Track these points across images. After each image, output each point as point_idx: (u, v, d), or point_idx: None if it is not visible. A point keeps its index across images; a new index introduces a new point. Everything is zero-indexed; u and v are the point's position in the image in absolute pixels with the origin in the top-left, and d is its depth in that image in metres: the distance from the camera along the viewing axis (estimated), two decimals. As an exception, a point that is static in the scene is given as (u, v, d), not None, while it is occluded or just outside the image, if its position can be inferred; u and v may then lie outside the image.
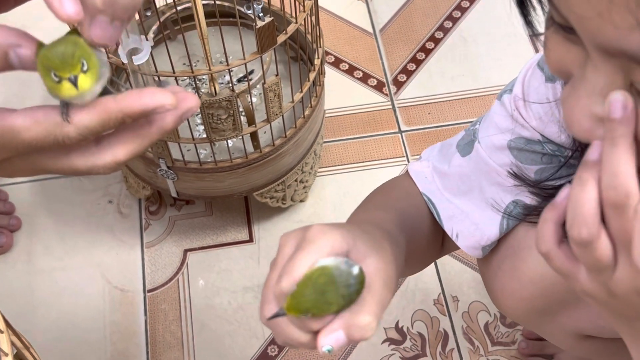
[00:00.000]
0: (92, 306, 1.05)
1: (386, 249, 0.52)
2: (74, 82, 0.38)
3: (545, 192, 0.59)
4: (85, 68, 0.38)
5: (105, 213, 1.12)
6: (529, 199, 0.62)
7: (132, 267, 1.08)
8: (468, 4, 1.34)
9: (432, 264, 1.07)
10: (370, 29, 1.31)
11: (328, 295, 0.47)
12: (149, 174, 1.01)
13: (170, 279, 1.07)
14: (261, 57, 0.84)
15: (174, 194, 1.01)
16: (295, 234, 0.51)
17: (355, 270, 0.48)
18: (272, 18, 0.81)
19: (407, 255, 0.63)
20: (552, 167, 0.61)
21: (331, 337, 0.47)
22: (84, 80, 0.38)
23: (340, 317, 0.48)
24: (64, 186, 1.15)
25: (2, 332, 0.54)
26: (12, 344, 0.57)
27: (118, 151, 0.44)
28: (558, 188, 0.51)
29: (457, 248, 0.69)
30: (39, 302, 1.05)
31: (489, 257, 0.67)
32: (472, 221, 0.65)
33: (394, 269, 0.52)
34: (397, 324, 1.02)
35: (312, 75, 0.96)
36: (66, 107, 0.40)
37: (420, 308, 1.04)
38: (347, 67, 1.27)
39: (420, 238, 0.68)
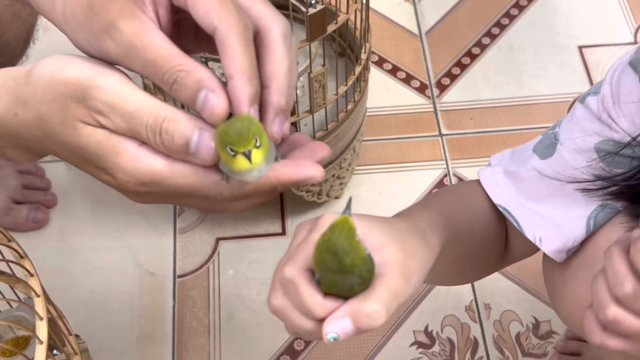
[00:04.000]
0: (122, 288, 1.04)
1: (408, 243, 0.50)
2: (248, 156, 0.40)
3: (633, 190, 0.56)
4: (258, 144, 0.40)
5: (140, 197, 1.12)
6: (614, 202, 0.59)
7: (163, 252, 1.07)
8: (517, 12, 1.32)
9: (466, 270, 1.05)
10: (416, 31, 1.30)
11: (349, 276, 0.44)
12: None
13: (201, 266, 1.06)
14: (309, 45, 0.83)
15: (210, 181, 1.01)
16: (309, 222, 0.49)
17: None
18: (324, 6, 0.80)
19: (452, 261, 0.61)
20: None
21: (336, 324, 0.45)
22: (257, 155, 0.40)
23: (347, 304, 0.45)
24: (101, 167, 1.15)
25: (38, 296, 0.54)
26: (47, 310, 0.57)
27: (255, 198, 0.44)
28: None
29: (522, 258, 0.67)
30: (69, 281, 1.05)
31: (563, 263, 0.64)
32: (555, 224, 0.62)
33: (417, 263, 0.49)
34: (426, 327, 1.01)
35: (357, 70, 0.95)
36: (227, 175, 0.42)
37: (451, 313, 1.02)
38: (390, 67, 1.26)
39: (470, 243, 0.65)
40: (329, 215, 0.48)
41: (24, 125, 0.44)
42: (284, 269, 0.46)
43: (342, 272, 0.44)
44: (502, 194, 0.65)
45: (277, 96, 0.43)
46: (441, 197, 0.69)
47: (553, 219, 0.62)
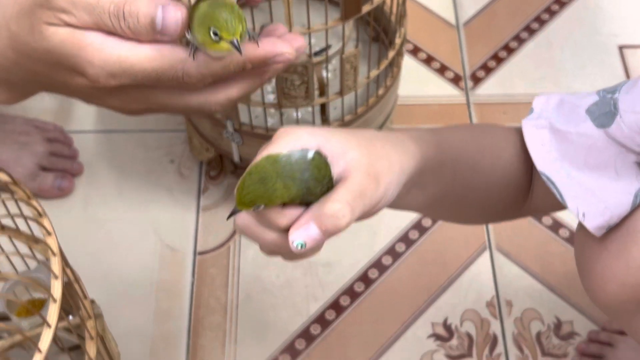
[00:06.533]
0: (142, 262, 1.04)
1: (375, 146, 0.49)
2: (237, 46, 0.41)
3: None
4: (245, 36, 0.42)
5: (166, 172, 1.12)
6: None
7: (185, 228, 1.07)
8: (558, 8, 1.30)
9: (490, 265, 1.03)
10: (453, 22, 1.28)
11: (270, 182, 0.44)
12: (214, 136, 1.00)
13: (222, 245, 1.06)
14: (343, 25, 0.82)
15: (236, 159, 1.00)
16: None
17: (310, 154, 0.45)
18: (360, -15, 0.79)
19: (449, 188, 0.59)
20: None
21: (301, 231, 0.44)
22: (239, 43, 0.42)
23: (309, 209, 0.45)
24: (128, 140, 1.15)
25: (55, 255, 0.53)
26: (63, 271, 0.56)
27: (232, 90, 0.45)
28: None
29: (543, 213, 0.64)
30: (89, 251, 1.05)
31: (596, 236, 0.61)
32: (600, 199, 0.59)
33: (387, 165, 0.48)
34: (445, 320, 0.99)
35: (391, 54, 0.94)
36: (194, 48, 0.43)
37: (471, 308, 1.00)
38: (425, 57, 1.24)
39: (478, 180, 0.63)
40: (283, 130, 0.47)
41: None
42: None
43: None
44: (547, 157, 0.61)
45: None
46: (451, 126, 0.67)
47: (598, 192, 0.59)
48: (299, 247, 0.45)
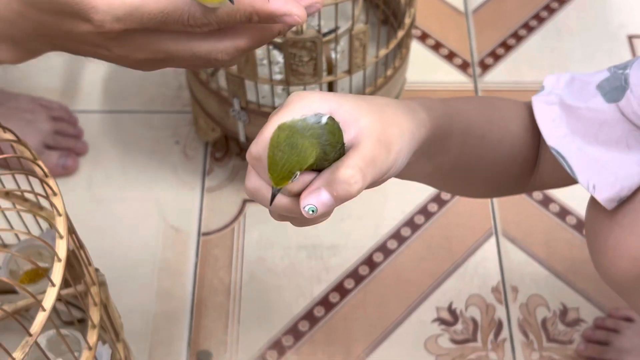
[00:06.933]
0: (145, 241, 1.04)
1: (386, 112, 0.48)
2: None
3: None
4: None
5: (171, 152, 1.11)
6: None
7: (189, 208, 1.06)
8: (567, -3, 1.29)
9: (496, 251, 1.02)
10: (462, 8, 1.27)
11: (299, 145, 0.43)
12: (220, 115, 0.99)
13: (226, 226, 1.05)
14: (353, 1, 0.81)
15: (242, 139, 0.99)
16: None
17: (324, 119, 0.44)
18: (371, -40, 0.78)
19: (457, 159, 0.59)
20: None
21: (312, 196, 0.44)
22: None
23: (320, 175, 0.45)
24: (134, 120, 1.14)
25: (60, 215, 0.53)
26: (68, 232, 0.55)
27: (239, 39, 0.45)
28: None
29: (550, 188, 0.64)
30: (93, 230, 1.04)
31: (607, 210, 0.61)
32: (610, 171, 0.58)
33: (397, 131, 0.48)
34: (450, 305, 0.98)
35: (400, 34, 0.93)
36: None
37: (476, 293, 1.00)
38: (433, 43, 1.23)
39: (486, 151, 0.62)
40: (295, 94, 0.47)
41: (3, 3, 0.45)
42: (251, 149, 0.45)
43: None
44: (557, 132, 0.61)
45: None
46: (462, 98, 0.66)
47: (608, 165, 0.59)
48: (311, 212, 0.44)
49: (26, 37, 0.48)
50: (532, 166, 0.67)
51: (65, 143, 1.08)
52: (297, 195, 0.46)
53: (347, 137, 0.46)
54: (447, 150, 0.59)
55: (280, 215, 0.48)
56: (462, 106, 0.63)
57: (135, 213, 1.06)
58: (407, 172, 0.57)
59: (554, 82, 0.64)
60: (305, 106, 0.46)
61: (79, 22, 0.44)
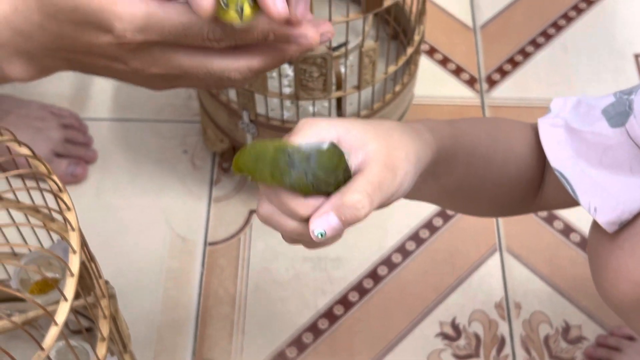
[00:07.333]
0: (152, 249, 1.04)
1: (392, 136, 0.50)
2: (240, 12, 0.42)
3: None
4: (251, 1, 0.43)
5: (179, 162, 1.12)
6: None
7: (196, 218, 1.07)
8: (575, 14, 1.30)
9: (499, 267, 1.03)
10: (470, 24, 1.28)
11: (261, 163, 0.45)
12: (229, 126, 1.00)
13: (232, 236, 1.06)
14: (364, 18, 0.82)
15: (250, 150, 1.00)
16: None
17: (325, 145, 0.46)
18: (382, -21, 0.79)
19: (463, 179, 0.60)
20: None
21: (321, 220, 0.46)
22: (248, 10, 0.42)
23: (329, 200, 0.46)
24: (143, 129, 1.15)
25: (74, 230, 0.54)
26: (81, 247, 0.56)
27: (254, 59, 0.45)
28: None
29: (553, 209, 0.64)
30: (100, 237, 1.05)
31: (609, 233, 0.62)
32: (612, 195, 0.59)
33: (403, 154, 0.50)
34: (453, 320, 0.99)
35: (409, 51, 0.94)
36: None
37: (480, 308, 1.00)
38: (441, 57, 1.24)
39: (490, 172, 0.63)
40: (304, 121, 0.48)
41: (24, 15, 0.46)
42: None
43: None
44: (561, 154, 0.62)
45: None
46: (467, 119, 0.68)
47: (611, 188, 0.60)
48: (319, 236, 0.46)
49: (42, 52, 0.48)
50: (537, 187, 0.68)
51: (75, 151, 1.09)
52: (307, 220, 0.47)
53: (354, 162, 0.48)
54: (452, 171, 0.60)
55: (291, 239, 0.50)
56: (468, 127, 0.64)
57: (142, 221, 1.07)
58: (415, 193, 0.58)
59: (560, 105, 0.65)
60: (315, 133, 0.48)
61: (99, 33, 0.45)
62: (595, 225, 0.62)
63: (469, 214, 0.76)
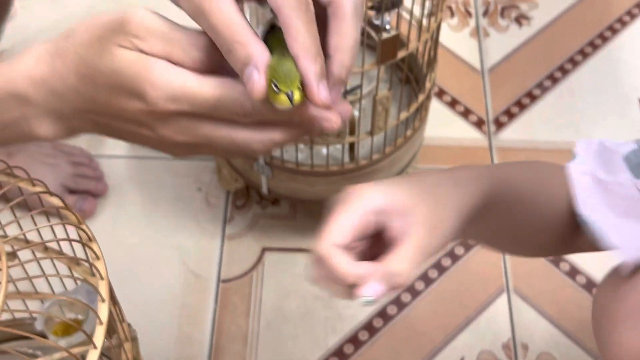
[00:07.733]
0: (166, 286, 1.07)
1: (436, 194, 0.53)
2: (290, 97, 0.44)
3: None
4: (300, 87, 0.44)
5: (193, 199, 1.15)
6: None
7: (210, 255, 1.09)
8: (581, 59, 1.33)
9: (507, 308, 1.05)
10: (478, 67, 1.31)
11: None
12: (244, 167, 1.03)
13: (245, 273, 1.08)
14: (379, 68, 0.85)
15: (265, 191, 1.03)
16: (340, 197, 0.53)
17: None
18: (397, 32, 0.82)
19: (506, 223, 0.63)
20: None
21: (369, 288, 0.49)
22: (297, 96, 0.44)
23: (375, 267, 0.50)
24: (158, 167, 1.18)
25: (102, 279, 0.56)
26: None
27: (276, 133, 0.47)
28: None
29: (584, 252, 0.67)
30: (114, 274, 1.06)
31: (617, 299, 0.63)
32: (635, 236, 0.61)
33: (446, 214, 0.53)
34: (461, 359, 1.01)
35: (421, 98, 0.97)
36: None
37: (487, 349, 1.02)
38: (450, 99, 1.27)
39: (533, 216, 0.66)
40: (352, 189, 0.52)
41: (61, 76, 0.47)
42: (316, 246, 0.51)
43: None
44: (589, 201, 0.64)
45: (338, 68, 0.45)
46: (511, 163, 0.70)
47: (634, 236, 0.62)
48: (367, 302, 0.50)
49: (72, 114, 0.49)
50: (574, 230, 0.70)
51: (85, 185, 1.11)
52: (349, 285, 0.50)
53: (400, 224, 0.51)
54: (494, 216, 0.63)
55: (337, 296, 0.53)
56: (511, 171, 0.66)
57: (157, 258, 1.09)
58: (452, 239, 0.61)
59: (584, 150, 0.68)
60: (362, 201, 0.51)
61: (132, 99, 0.45)
62: (600, 291, 0.64)
63: (509, 254, 0.79)
